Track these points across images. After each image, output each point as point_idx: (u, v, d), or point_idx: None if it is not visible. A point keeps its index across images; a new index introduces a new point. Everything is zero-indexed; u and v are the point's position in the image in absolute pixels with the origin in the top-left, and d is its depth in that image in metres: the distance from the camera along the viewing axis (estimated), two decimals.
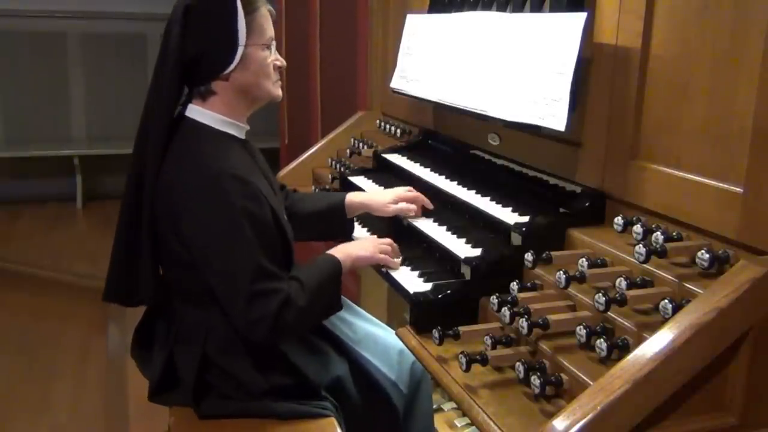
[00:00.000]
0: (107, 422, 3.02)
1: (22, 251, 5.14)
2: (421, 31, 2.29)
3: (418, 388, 1.94)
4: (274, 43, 1.74)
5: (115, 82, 6.50)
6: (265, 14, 1.72)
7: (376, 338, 1.92)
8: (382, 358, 1.87)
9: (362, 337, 1.90)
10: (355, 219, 2.12)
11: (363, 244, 1.87)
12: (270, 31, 1.72)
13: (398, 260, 1.87)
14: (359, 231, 2.16)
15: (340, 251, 1.80)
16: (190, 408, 1.81)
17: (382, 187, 2.26)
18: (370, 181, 2.36)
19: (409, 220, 1.98)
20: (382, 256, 1.84)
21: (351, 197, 2.05)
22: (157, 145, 1.67)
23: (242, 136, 1.77)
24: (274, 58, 1.74)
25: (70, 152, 6.26)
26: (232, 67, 1.65)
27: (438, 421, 2.34)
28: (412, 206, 1.99)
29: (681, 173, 1.41)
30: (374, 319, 2.06)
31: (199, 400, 1.73)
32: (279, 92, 1.77)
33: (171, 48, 1.64)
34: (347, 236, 2.08)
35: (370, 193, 2.10)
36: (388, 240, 1.88)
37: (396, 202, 2.00)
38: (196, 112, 1.70)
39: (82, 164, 6.27)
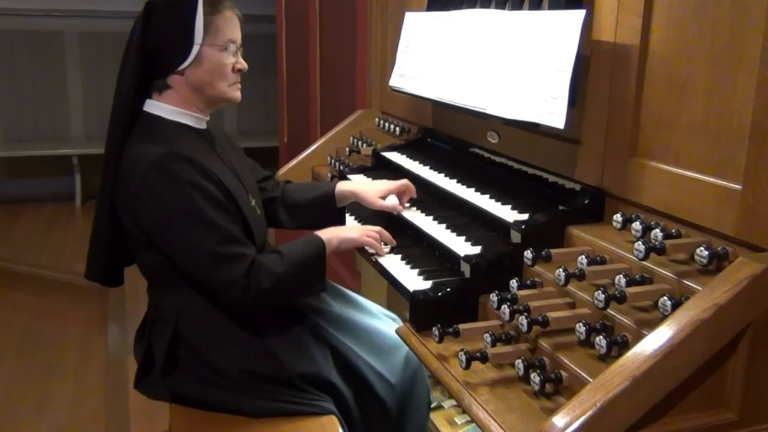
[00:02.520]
0: (108, 421, 3.02)
1: (21, 251, 5.14)
2: (419, 29, 2.30)
3: (413, 384, 1.95)
4: (234, 46, 1.79)
5: (112, 81, 6.47)
6: (229, 17, 1.78)
7: (369, 331, 1.93)
8: (372, 351, 1.88)
9: (353, 329, 1.91)
10: (346, 210, 2.15)
11: (350, 227, 1.93)
12: (230, 34, 1.78)
13: (387, 248, 1.90)
14: (351, 222, 2.18)
15: (326, 232, 1.85)
16: (190, 408, 1.82)
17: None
18: (369, 179, 2.37)
19: (409, 217, 1.98)
20: (368, 239, 1.86)
21: (341, 186, 2.10)
22: (113, 136, 1.77)
23: (200, 126, 1.84)
24: (234, 60, 1.79)
25: (68, 151, 6.25)
26: (186, 63, 1.73)
27: (438, 418, 2.35)
28: (397, 202, 2.03)
29: (680, 170, 1.42)
30: (372, 309, 2.06)
31: (167, 373, 1.77)
32: (236, 95, 1.84)
33: (134, 41, 1.75)
34: (338, 225, 2.09)
35: (360, 183, 2.12)
36: (377, 228, 1.92)
37: (385, 195, 2.03)
38: (152, 105, 1.79)
39: (80, 163, 6.27)
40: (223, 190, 1.72)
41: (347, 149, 2.75)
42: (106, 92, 6.50)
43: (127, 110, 1.77)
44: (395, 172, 2.33)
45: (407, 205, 2.06)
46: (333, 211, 2.08)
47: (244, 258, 1.67)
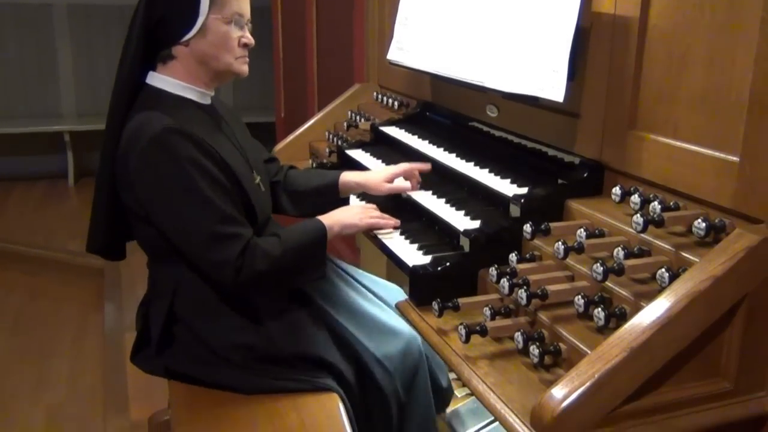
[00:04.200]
0: (106, 400, 3.04)
1: (13, 230, 5.11)
2: (417, 1, 2.28)
3: (413, 378, 1.95)
4: (241, 20, 1.77)
5: (104, 55, 6.40)
6: None
7: (368, 317, 1.94)
8: (371, 337, 1.89)
9: (354, 314, 1.92)
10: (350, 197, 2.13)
11: (352, 211, 1.90)
12: (237, 7, 1.76)
13: (392, 222, 1.88)
14: (354, 202, 2.17)
15: (328, 217, 1.84)
16: (190, 385, 1.84)
17: (380, 161, 2.26)
18: (368, 154, 2.37)
19: (408, 192, 1.99)
20: (373, 220, 1.86)
21: (345, 177, 2.07)
22: (116, 108, 1.75)
23: (204, 101, 1.82)
24: (240, 34, 1.77)
25: (60, 128, 6.19)
26: (191, 34, 1.72)
27: None
28: (407, 183, 2.00)
29: (678, 143, 1.42)
30: (373, 296, 2.06)
31: (161, 351, 1.79)
32: (243, 68, 1.82)
33: (139, 10, 1.73)
34: None
35: (365, 173, 2.11)
36: (373, 206, 1.92)
37: (391, 179, 2.01)
38: (155, 78, 1.77)
39: (72, 140, 6.21)
40: (224, 167, 1.71)
41: (345, 124, 2.74)
42: (97, 67, 6.44)
43: (131, 81, 1.75)
44: (394, 147, 2.33)
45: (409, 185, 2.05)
46: (336, 202, 2.05)
47: (238, 239, 1.67)
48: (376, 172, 2.08)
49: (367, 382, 1.87)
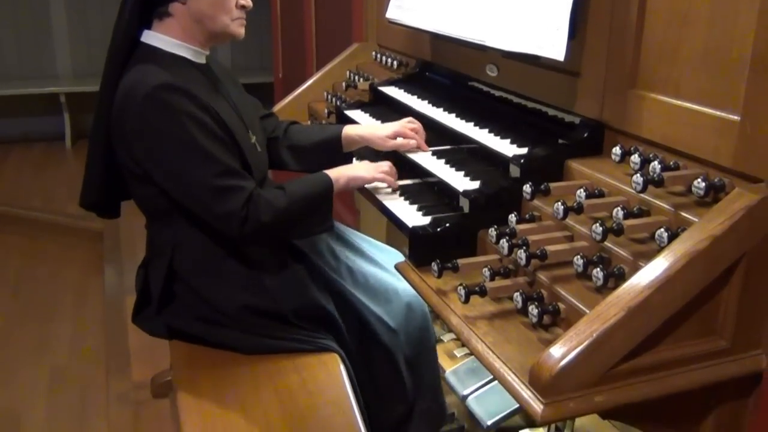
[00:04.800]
0: (108, 362, 3.07)
1: (11, 193, 5.10)
2: None
3: (420, 334, 1.96)
4: None
5: (100, 14, 6.30)
6: None
7: (369, 276, 1.95)
8: (372, 296, 1.90)
9: (354, 274, 1.93)
10: (352, 157, 2.12)
11: (359, 166, 1.91)
12: None
13: (397, 182, 1.87)
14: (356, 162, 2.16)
15: (334, 170, 1.84)
16: (192, 345, 1.86)
17: (380, 121, 2.25)
18: (367, 114, 2.35)
19: (407, 153, 1.98)
20: (381, 175, 1.85)
21: (348, 130, 2.05)
22: (111, 65, 1.74)
23: (199, 60, 1.81)
24: None
25: (55, 89, 6.12)
26: None
27: (438, 351, 2.40)
28: (412, 141, 1.99)
29: (679, 102, 1.41)
30: (374, 256, 2.07)
31: (161, 309, 1.81)
32: (239, 31, 1.80)
33: None
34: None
35: (368, 126, 2.09)
36: (387, 162, 1.90)
37: (395, 137, 2.00)
38: (150, 36, 1.75)
39: (69, 102, 6.15)
40: (220, 124, 1.71)
41: (344, 84, 2.72)
42: (92, 27, 6.34)
43: (126, 39, 1.74)
44: (393, 107, 2.32)
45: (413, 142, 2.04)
46: (339, 156, 2.04)
47: (241, 190, 1.67)
48: (379, 127, 2.06)
49: (372, 345, 1.88)
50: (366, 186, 1.89)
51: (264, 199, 1.69)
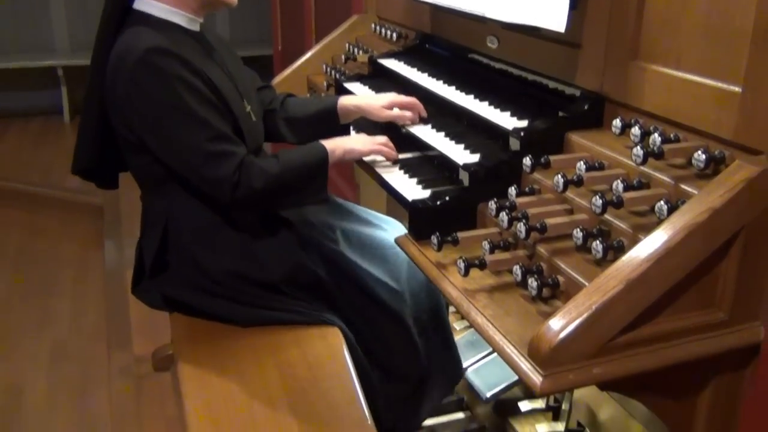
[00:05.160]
0: (109, 336, 3.09)
1: (9, 168, 5.08)
2: None
3: (427, 293, 1.96)
4: None
5: None
6: None
7: (366, 238, 1.94)
8: (371, 259, 1.89)
9: (351, 239, 1.92)
10: (349, 129, 2.11)
11: (356, 138, 1.91)
12: None
13: (395, 153, 1.86)
14: (351, 133, 2.16)
15: (331, 141, 1.84)
16: (192, 318, 1.87)
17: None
18: (366, 87, 2.34)
19: (407, 126, 1.97)
20: (377, 147, 1.85)
21: (344, 100, 2.04)
22: (104, 32, 1.74)
23: (193, 27, 1.81)
24: None
25: (52, 63, 6.08)
26: None
27: None
28: (408, 113, 1.97)
29: (680, 73, 1.40)
30: (371, 218, 2.07)
31: (155, 275, 1.82)
32: None
33: None
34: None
35: (364, 96, 2.08)
36: (384, 138, 1.89)
37: (391, 107, 1.99)
38: (143, 3, 1.74)
39: (66, 75, 6.11)
40: (213, 89, 1.70)
41: (343, 57, 2.70)
42: (89, 0, 6.28)
43: (119, 5, 1.73)
44: (392, 80, 2.30)
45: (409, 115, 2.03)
46: (335, 127, 2.03)
47: (233, 156, 1.67)
48: (375, 98, 2.05)
49: (376, 309, 1.87)
50: (365, 159, 1.89)
51: (257, 166, 1.68)
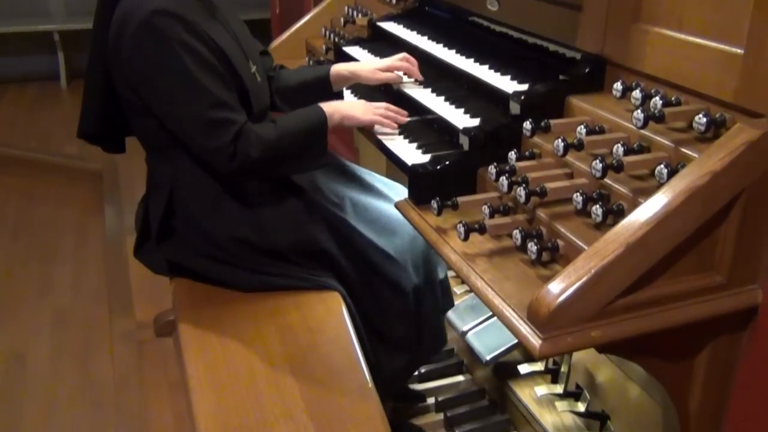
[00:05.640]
0: (111, 301, 3.10)
1: (6, 134, 5.05)
2: None
3: (427, 265, 1.97)
4: None
5: None
6: None
7: (371, 209, 1.94)
8: (374, 229, 1.90)
9: (355, 207, 1.92)
10: (345, 90, 2.09)
11: (356, 104, 1.87)
12: None
13: (395, 124, 1.84)
14: (349, 97, 2.14)
15: (329, 105, 1.81)
16: (193, 284, 1.88)
17: (378, 57, 2.22)
18: (365, 51, 2.32)
19: (407, 90, 1.96)
20: (376, 117, 1.83)
21: (337, 67, 2.02)
22: None
23: None
24: None
25: (49, 27, 6.01)
26: None
27: None
28: (401, 74, 1.97)
29: (682, 35, 1.38)
30: (376, 187, 2.06)
31: (160, 241, 1.82)
32: None
33: None
34: None
35: (358, 63, 2.06)
36: (384, 104, 1.87)
37: (385, 70, 1.97)
38: None
39: (63, 40, 6.04)
40: (217, 51, 1.68)
41: (342, 20, 2.67)
42: None
43: None
44: (392, 43, 2.28)
45: (405, 78, 2.01)
46: (328, 94, 2.01)
47: (231, 124, 1.65)
48: (369, 62, 2.03)
49: (376, 278, 1.88)
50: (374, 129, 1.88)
51: (254, 134, 1.67)
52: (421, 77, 1.98)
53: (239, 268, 1.82)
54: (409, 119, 1.89)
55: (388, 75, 1.97)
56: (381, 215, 1.92)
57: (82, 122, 1.88)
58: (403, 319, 1.91)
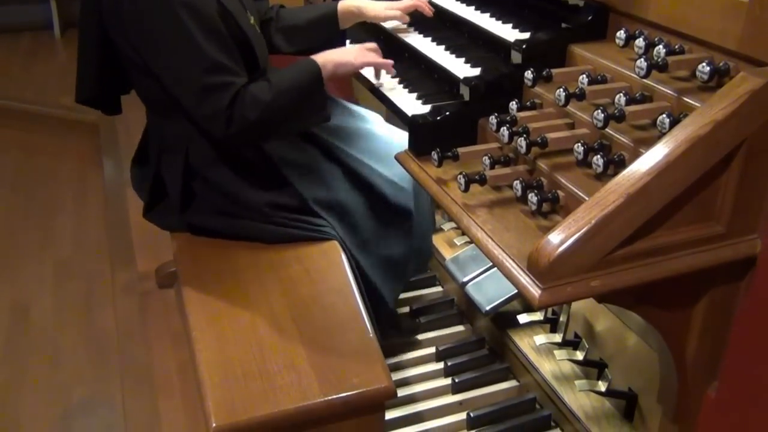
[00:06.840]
0: (112, 254, 3.11)
1: (1, 86, 4.98)
2: None
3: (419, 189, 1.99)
4: None
5: None
6: None
7: (376, 140, 1.95)
8: (381, 160, 1.91)
9: (363, 141, 1.92)
10: (347, 35, 2.06)
11: (346, 50, 1.84)
12: None
13: (388, 61, 1.83)
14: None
15: (320, 56, 1.77)
16: (193, 236, 1.88)
17: None
18: None
19: (407, 39, 1.93)
20: (368, 58, 1.80)
21: (344, 3, 1.98)
22: None
23: None
24: None
25: None
26: None
27: (438, 240, 2.44)
28: (406, 17, 1.96)
29: None
30: (378, 120, 2.06)
31: (185, 208, 1.80)
32: None
33: None
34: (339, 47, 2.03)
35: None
36: (373, 44, 1.85)
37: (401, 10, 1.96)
38: None
39: None
40: (220, 8, 1.65)
41: None
42: None
43: None
44: None
45: (404, 25, 1.99)
46: (335, 32, 1.97)
47: (228, 88, 1.62)
48: (379, 3, 2.00)
49: (382, 205, 1.91)
50: (362, 73, 1.86)
51: (250, 95, 1.63)
52: (431, 12, 1.95)
53: (256, 222, 1.81)
54: (409, 68, 1.87)
55: (396, 13, 1.94)
56: (383, 145, 1.95)
57: (79, 87, 1.85)
58: (400, 240, 1.96)
